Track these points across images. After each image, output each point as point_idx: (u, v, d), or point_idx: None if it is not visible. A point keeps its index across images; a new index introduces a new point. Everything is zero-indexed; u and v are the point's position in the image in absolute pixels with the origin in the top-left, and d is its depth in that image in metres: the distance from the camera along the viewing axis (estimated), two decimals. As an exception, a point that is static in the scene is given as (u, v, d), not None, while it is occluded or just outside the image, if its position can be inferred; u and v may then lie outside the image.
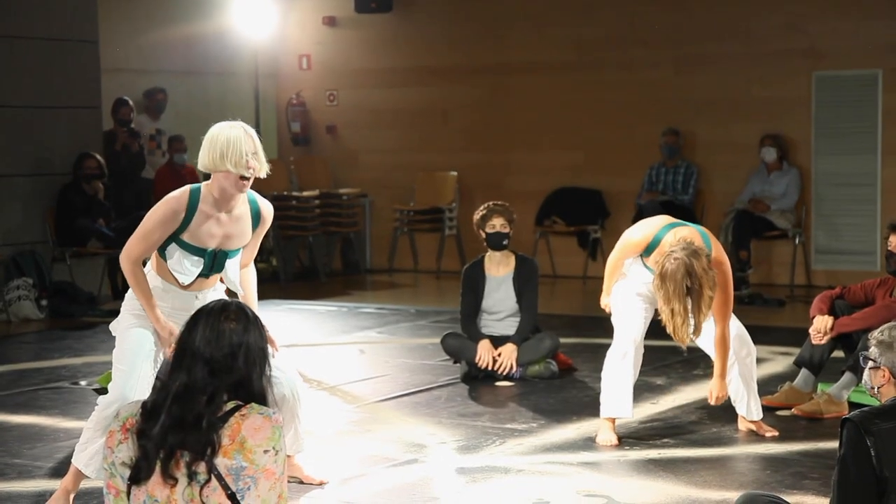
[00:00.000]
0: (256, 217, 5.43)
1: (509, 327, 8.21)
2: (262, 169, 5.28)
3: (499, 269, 8.27)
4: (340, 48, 14.56)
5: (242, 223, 5.37)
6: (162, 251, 5.27)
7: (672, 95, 12.95)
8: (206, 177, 5.37)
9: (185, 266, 5.25)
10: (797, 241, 12.41)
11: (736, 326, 6.59)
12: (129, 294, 5.36)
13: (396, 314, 11.04)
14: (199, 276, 5.31)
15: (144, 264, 5.37)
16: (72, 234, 11.52)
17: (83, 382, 8.15)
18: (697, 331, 6.19)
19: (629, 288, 6.53)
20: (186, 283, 5.28)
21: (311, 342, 9.67)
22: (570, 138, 13.46)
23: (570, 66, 13.40)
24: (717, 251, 6.31)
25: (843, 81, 12.30)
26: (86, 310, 11.10)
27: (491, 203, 8.35)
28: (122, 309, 5.40)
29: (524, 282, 8.20)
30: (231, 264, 5.38)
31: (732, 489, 5.58)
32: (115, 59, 12.74)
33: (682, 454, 6.29)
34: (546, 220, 13.48)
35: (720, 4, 12.76)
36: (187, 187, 5.29)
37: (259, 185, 5.61)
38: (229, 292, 5.51)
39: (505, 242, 8.21)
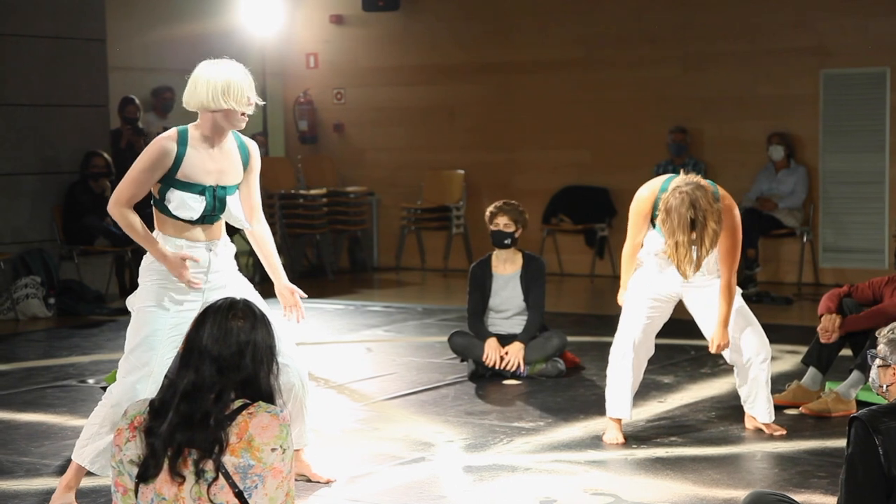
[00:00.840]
0: (245, 154, 5.44)
1: (516, 325, 8.21)
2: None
3: (506, 268, 8.27)
4: (348, 46, 14.56)
5: (233, 156, 5.39)
6: (162, 203, 5.24)
7: (679, 93, 12.93)
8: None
9: (189, 204, 5.23)
10: (805, 240, 12.39)
11: (754, 326, 6.57)
12: (143, 265, 5.31)
13: (404, 312, 11.04)
14: (205, 217, 5.26)
15: (152, 230, 5.33)
16: (79, 232, 11.53)
17: (91, 381, 8.16)
18: (698, 266, 6.18)
19: (641, 284, 6.50)
20: (194, 217, 5.23)
21: (318, 340, 9.67)
22: (577, 136, 13.45)
23: (577, 65, 13.39)
24: (725, 195, 6.32)
25: (851, 79, 12.28)
26: (93, 308, 11.10)
27: (502, 201, 8.34)
28: (139, 281, 5.35)
29: (531, 280, 8.20)
30: (232, 201, 5.37)
31: (740, 488, 5.58)
32: (122, 57, 12.75)
33: (690, 453, 6.28)
34: (553, 219, 13.48)
35: (728, 2, 12.74)
36: (174, 128, 5.29)
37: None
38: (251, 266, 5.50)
39: (507, 241, 8.18)
